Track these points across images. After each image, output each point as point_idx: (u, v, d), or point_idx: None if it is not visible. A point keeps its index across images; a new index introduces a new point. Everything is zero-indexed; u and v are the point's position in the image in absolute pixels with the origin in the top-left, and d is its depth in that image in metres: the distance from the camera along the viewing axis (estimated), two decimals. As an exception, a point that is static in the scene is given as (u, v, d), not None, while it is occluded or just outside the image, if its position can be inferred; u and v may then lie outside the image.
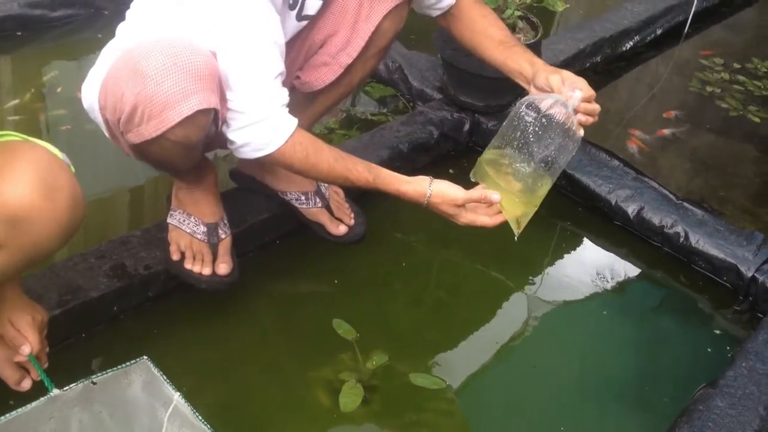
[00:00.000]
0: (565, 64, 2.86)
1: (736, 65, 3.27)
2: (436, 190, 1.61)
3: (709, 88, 3.08)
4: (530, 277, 2.06)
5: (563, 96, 1.57)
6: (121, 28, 1.63)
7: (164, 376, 1.39)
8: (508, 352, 1.83)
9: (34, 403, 1.30)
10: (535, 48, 2.36)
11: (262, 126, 1.49)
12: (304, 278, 1.94)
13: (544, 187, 1.62)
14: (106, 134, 1.60)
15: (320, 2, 1.67)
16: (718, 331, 1.98)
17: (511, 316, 1.94)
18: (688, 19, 3.42)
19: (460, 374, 1.76)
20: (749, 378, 1.69)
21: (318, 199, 1.91)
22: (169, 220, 1.74)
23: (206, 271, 1.71)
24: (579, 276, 2.08)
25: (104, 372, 1.37)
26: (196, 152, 1.56)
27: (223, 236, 1.74)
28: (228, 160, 2.13)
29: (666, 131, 2.74)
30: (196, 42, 1.44)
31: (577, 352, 1.88)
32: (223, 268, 1.72)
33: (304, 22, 1.68)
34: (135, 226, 1.92)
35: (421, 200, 1.62)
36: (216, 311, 1.78)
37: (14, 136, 1.24)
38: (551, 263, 2.12)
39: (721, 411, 1.61)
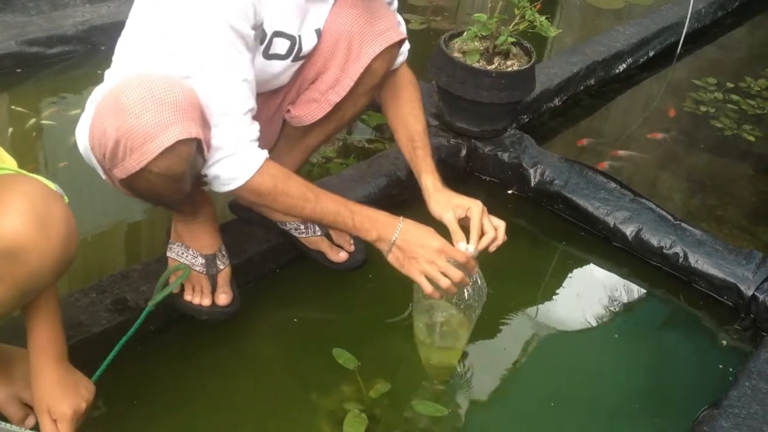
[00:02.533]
0: (560, 88, 2.89)
1: (729, 85, 3.30)
2: (407, 226, 1.60)
3: (703, 108, 3.10)
4: (532, 300, 2.05)
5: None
6: (108, 74, 1.65)
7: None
8: (511, 376, 1.83)
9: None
10: (529, 73, 2.38)
11: (230, 161, 1.52)
12: (305, 307, 1.93)
13: (463, 334, 1.73)
14: (102, 176, 1.61)
15: (315, 40, 1.69)
16: (721, 350, 1.97)
17: (514, 339, 1.93)
18: (680, 40, 3.46)
19: (463, 400, 1.75)
20: (753, 398, 1.68)
21: (317, 227, 1.92)
22: (168, 253, 1.75)
23: (206, 302, 1.71)
24: (581, 298, 2.08)
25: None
26: (184, 184, 1.54)
27: (221, 267, 1.74)
28: (227, 192, 2.14)
29: (622, 152, 2.74)
30: (176, 77, 1.46)
31: (583, 374, 1.87)
32: (223, 298, 1.73)
33: (300, 62, 1.70)
34: (135, 259, 1.92)
35: (392, 230, 1.60)
36: (217, 342, 1.77)
37: (6, 170, 1.24)
38: (553, 285, 2.12)
39: (726, 432, 1.61)
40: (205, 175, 1.55)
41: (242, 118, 1.52)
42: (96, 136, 1.45)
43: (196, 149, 1.45)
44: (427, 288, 1.58)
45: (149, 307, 1.52)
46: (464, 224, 1.69)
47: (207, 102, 1.47)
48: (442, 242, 1.58)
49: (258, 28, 1.53)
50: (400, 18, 1.85)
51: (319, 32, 1.70)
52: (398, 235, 1.59)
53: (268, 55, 1.62)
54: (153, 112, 1.37)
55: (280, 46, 1.62)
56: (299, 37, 1.65)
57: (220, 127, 1.50)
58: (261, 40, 1.58)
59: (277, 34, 1.60)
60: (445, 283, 1.56)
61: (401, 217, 1.62)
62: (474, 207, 1.68)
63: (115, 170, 1.45)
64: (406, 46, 1.87)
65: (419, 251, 1.57)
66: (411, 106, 1.86)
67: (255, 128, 1.56)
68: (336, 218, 1.61)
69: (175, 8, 1.48)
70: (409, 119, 1.85)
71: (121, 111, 1.38)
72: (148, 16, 1.56)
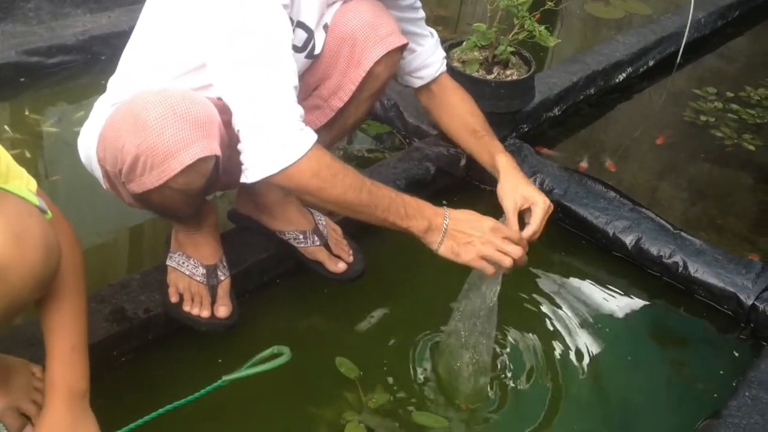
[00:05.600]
0: (559, 98, 2.89)
1: (729, 94, 3.30)
2: (454, 213, 1.54)
3: (703, 118, 3.10)
4: (530, 310, 2.05)
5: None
6: (112, 82, 1.65)
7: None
8: (512, 387, 1.82)
9: None
10: (529, 82, 2.38)
11: (279, 138, 1.42)
12: (304, 317, 1.93)
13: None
14: (104, 185, 1.61)
15: (323, 37, 1.69)
16: (721, 359, 1.97)
17: (516, 351, 1.92)
18: (680, 49, 3.46)
19: (463, 411, 1.75)
20: (753, 408, 1.68)
21: (316, 237, 1.92)
22: (168, 262, 1.75)
23: (205, 313, 1.71)
24: (580, 308, 2.07)
25: None
26: (198, 198, 1.57)
27: (222, 278, 1.74)
28: (226, 200, 2.14)
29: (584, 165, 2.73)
30: (196, 83, 1.47)
31: (583, 384, 1.86)
32: (223, 310, 1.72)
33: (310, 60, 1.70)
34: (134, 269, 1.92)
35: (441, 218, 1.52)
36: (216, 352, 1.77)
37: None
38: (551, 295, 2.11)
39: (726, 442, 1.60)
40: (246, 160, 1.43)
41: (293, 92, 1.45)
42: (110, 151, 1.45)
43: (213, 165, 1.45)
44: (490, 270, 1.51)
45: (223, 381, 1.42)
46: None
47: (258, 68, 1.41)
48: (493, 221, 1.52)
49: (288, 8, 1.51)
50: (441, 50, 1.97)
51: (326, 27, 1.69)
52: (448, 222, 1.51)
53: (311, 56, 1.62)
54: (174, 128, 1.37)
55: (299, 37, 1.62)
56: (314, 32, 1.65)
57: (272, 99, 1.41)
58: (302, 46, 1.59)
59: (300, 24, 1.60)
60: (507, 262, 1.50)
61: (443, 206, 1.55)
62: (540, 203, 1.66)
63: (131, 185, 1.45)
64: (442, 53, 1.97)
65: (474, 233, 1.50)
66: (467, 105, 1.94)
67: (300, 107, 1.47)
68: (390, 205, 1.50)
69: None
70: (467, 117, 1.91)
71: (142, 128, 1.38)
72: (172, 7, 1.55)
